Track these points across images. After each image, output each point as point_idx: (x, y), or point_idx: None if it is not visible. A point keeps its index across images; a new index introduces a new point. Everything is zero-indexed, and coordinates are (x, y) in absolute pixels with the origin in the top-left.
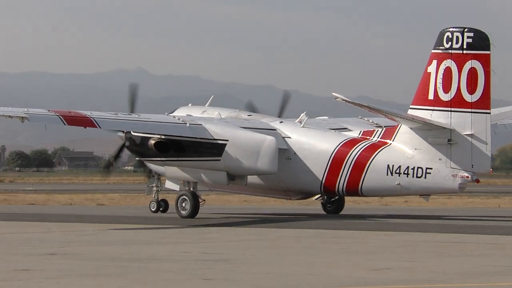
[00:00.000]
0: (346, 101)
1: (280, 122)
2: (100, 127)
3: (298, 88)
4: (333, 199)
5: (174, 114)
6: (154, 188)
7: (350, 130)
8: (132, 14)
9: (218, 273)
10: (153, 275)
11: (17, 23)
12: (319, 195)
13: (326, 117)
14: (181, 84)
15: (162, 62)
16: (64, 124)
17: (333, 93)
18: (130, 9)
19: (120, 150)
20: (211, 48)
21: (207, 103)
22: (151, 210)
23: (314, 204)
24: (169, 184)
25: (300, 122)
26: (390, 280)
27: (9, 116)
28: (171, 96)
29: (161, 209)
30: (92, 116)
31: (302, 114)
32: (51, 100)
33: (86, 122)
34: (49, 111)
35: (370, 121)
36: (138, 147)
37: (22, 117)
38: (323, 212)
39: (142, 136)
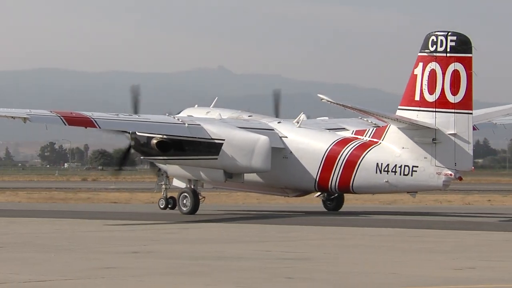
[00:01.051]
0: (331, 102)
1: (278, 122)
2: (100, 127)
3: (379, 87)
4: (332, 197)
5: (180, 114)
6: (163, 186)
7: (347, 130)
8: (214, 12)
9: (299, 272)
10: (236, 274)
11: (98, 22)
12: (320, 193)
13: (327, 118)
14: (262, 82)
15: (243, 61)
16: (65, 125)
17: (319, 95)
18: (212, 8)
19: (127, 150)
20: (292, 47)
21: (212, 105)
22: (160, 207)
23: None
24: (176, 182)
25: (298, 122)
26: (475, 279)
27: (12, 117)
28: (252, 95)
29: (169, 206)
30: (93, 117)
31: (300, 114)
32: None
33: (86, 122)
34: (51, 112)
35: (369, 121)
36: (142, 147)
37: (24, 118)
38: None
39: (146, 136)
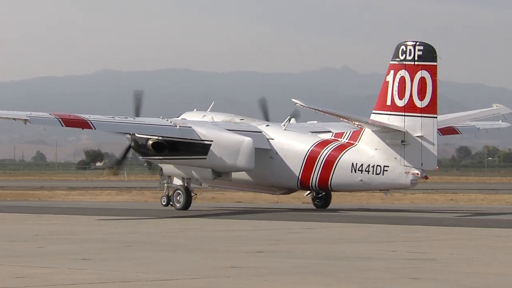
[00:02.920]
0: (304, 106)
1: (266, 125)
2: (95, 129)
3: (507, 86)
4: (320, 195)
5: (180, 117)
6: (165, 185)
7: (330, 132)
8: (337, 12)
9: (425, 273)
10: (360, 274)
11: (224, 23)
12: (309, 191)
13: (315, 122)
14: None
15: (367, 60)
16: (62, 126)
17: (293, 99)
18: (338, 8)
19: (127, 150)
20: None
21: (209, 109)
22: (162, 204)
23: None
24: (176, 181)
25: (284, 125)
26: None
27: (13, 119)
28: (375, 95)
29: (170, 203)
30: (89, 119)
31: (287, 118)
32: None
33: (82, 124)
34: (50, 114)
35: (356, 124)
36: (140, 148)
37: (24, 120)
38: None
39: (143, 138)
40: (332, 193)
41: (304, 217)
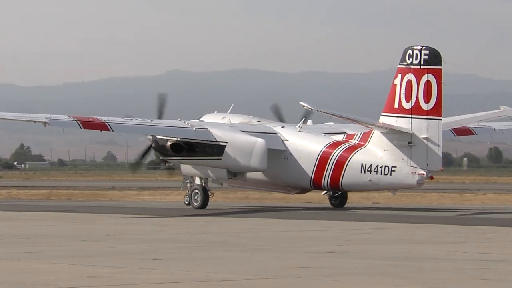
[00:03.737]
0: (311, 109)
1: (282, 127)
2: (113, 131)
3: None
4: (336, 194)
5: (201, 119)
6: (188, 184)
7: (342, 134)
8: (403, 12)
9: (497, 274)
10: (429, 275)
11: (293, 22)
12: (326, 191)
13: (332, 123)
14: (458, 83)
15: None
16: (80, 128)
17: (300, 102)
18: (403, 7)
19: (147, 150)
20: (489, 46)
21: (229, 110)
22: (185, 203)
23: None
24: (197, 180)
25: (299, 127)
26: None
27: (33, 121)
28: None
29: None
30: (107, 121)
31: (302, 119)
32: (320, 99)
33: (100, 126)
34: (69, 117)
35: (369, 125)
36: (160, 148)
37: (44, 122)
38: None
39: (163, 139)
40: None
41: (373, 218)
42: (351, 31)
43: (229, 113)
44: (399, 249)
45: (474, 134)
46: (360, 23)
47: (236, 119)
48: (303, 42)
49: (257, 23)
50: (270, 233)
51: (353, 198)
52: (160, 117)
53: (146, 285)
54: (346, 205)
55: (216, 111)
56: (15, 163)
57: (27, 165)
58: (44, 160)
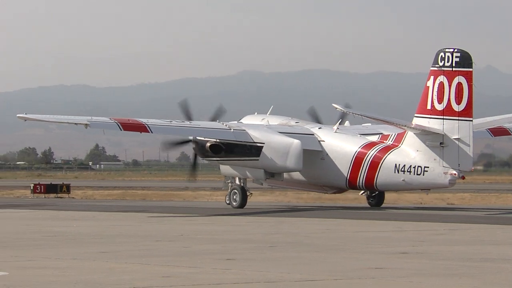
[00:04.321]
0: (343, 111)
1: (319, 128)
2: (152, 132)
3: None
4: (374, 194)
5: (241, 120)
6: (229, 184)
7: (377, 135)
8: (478, 11)
9: None
10: (507, 276)
11: (361, 23)
12: (363, 191)
13: (369, 124)
14: None
15: (509, 60)
16: (120, 130)
17: (333, 104)
18: (476, 7)
19: (180, 143)
20: None
21: (268, 112)
22: (226, 203)
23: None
24: (237, 181)
25: (335, 128)
26: None
27: (75, 123)
28: None
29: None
30: (147, 123)
31: (339, 120)
32: (393, 99)
33: (140, 128)
34: (110, 119)
35: (402, 127)
36: (201, 149)
37: (85, 124)
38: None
39: (203, 140)
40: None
41: (447, 218)
42: (423, 31)
43: (269, 114)
44: (474, 250)
45: (511, 134)
46: (433, 24)
47: (275, 120)
48: (375, 42)
49: (329, 23)
50: (343, 234)
51: (426, 199)
52: (189, 118)
53: (220, 285)
54: (392, 205)
55: (256, 113)
56: (90, 164)
57: (102, 166)
58: (119, 161)
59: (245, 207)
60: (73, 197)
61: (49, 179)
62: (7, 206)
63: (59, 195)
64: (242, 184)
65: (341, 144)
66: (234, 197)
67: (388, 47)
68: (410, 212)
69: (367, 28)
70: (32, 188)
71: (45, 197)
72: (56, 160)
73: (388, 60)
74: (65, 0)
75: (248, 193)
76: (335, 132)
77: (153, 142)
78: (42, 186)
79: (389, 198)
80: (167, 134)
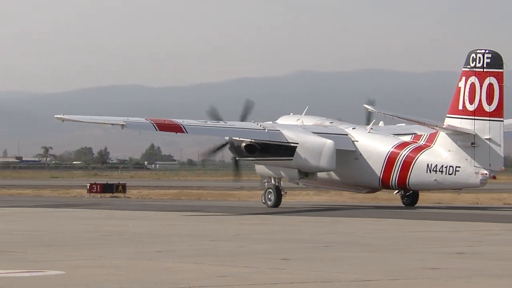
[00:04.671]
0: (375, 111)
1: (353, 128)
2: (187, 133)
3: None
4: (408, 193)
5: (277, 121)
6: (266, 184)
7: (410, 135)
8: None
9: None
10: None
11: (416, 22)
12: (397, 190)
13: (403, 124)
14: None
15: None
16: (156, 130)
17: (364, 105)
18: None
19: (219, 148)
20: None
21: (303, 112)
22: (262, 202)
23: None
24: (273, 180)
25: (372, 128)
26: None
27: (111, 124)
28: None
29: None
30: (182, 124)
31: (373, 121)
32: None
33: (175, 128)
34: (146, 119)
35: (434, 127)
36: (236, 149)
37: (122, 125)
38: None
39: (238, 140)
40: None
41: (502, 218)
42: (486, 30)
43: (304, 115)
44: None
45: None
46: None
47: (310, 121)
48: (429, 42)
49: (383, 23)
50: (398, 234)
51: (482, 199)
52: (242, 120)
53: (276, 285)
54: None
55: (291, 113)
56: (145, 163)
57: (157, 165)
58: (174, 160)
59: (295, 206)
60: (128, 197)
61: (105, 178)
62: (64, 205)
63: (115, 194)
64: (276, 184)
65: (374, 144)
66: (269, 196)
67: (442, 46)
68: (465, 212)
69: (422, 27)
70: (88, 187)
71: (101, 196)
72: (112, 160)
73: (443, 59)
74: (125, 1)
75: (282, 193)
76: (369, 132)
77: (208, 141)
78: (98, 186)
79: (445, 198)
80: (202, 134)
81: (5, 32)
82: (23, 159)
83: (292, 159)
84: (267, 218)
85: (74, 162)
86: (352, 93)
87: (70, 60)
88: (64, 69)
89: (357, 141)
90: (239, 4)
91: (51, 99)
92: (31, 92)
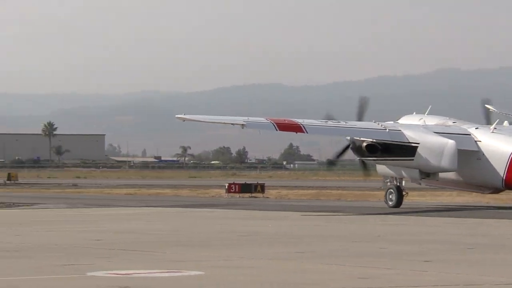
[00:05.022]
0: (495, 111)
1: (476, 128)
2: (307, 133)
3: None
4: None
5: (399, 120)
6: (388, 184)
7: None
8: None
9: None
10: None
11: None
12: None
13: None
14: None
15: None
16: (276, 130)
17: (486, 105)
18: None
19: (344, 150)
20: None
21: (426, 112)
22: (385, 202)
23: None
24: (394, 180)
25: (495, 128)
26: None
27: (231, 124)
28: None
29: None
30: (303, 123)
31: (496, 121)
32: None
33: (295, 128)
34: (266, 119)
35: None
36: (357, 149)
37: (242, 124)
38: None
39: (359, 140)
40: None
41: None
42: None
43: (427, 114)
44: None
45: None
46: None
47: (432, 121)
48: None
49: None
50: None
51: None
52: (359, 119)
53: None
54: None
55: (414, 113)
56: (284, 163)
57: (296, 165)
58: (313, 160)
59: (428, 206)
60: (267, 197)
61: (243, 178)
62: (202, 205)
63: (253, 194)
64: (398, 184)
65: (497, 144)
66: (390, 196)
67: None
68: None
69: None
70: (226, 187)
71: (239, 196)
72: (250, 160)
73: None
74: (268, 4)
75: (404, 193)
76: (492, 132)
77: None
78: (236, 186)
79: None
80: (323, 134)
81: (144, 32)
82: (162, 158)
83: (413, 159)
84: (407, 219)
85: (212, 162)
86: (495, 91)
87: (207, 59)
88: (202, 69)
89: (480, 141)
90: (379, 2)
91: (189, 98)
92: (169, 91)
